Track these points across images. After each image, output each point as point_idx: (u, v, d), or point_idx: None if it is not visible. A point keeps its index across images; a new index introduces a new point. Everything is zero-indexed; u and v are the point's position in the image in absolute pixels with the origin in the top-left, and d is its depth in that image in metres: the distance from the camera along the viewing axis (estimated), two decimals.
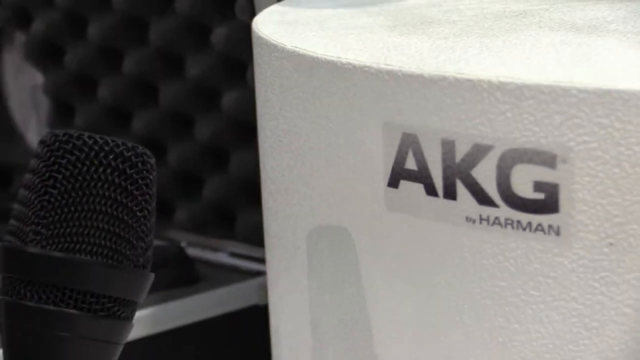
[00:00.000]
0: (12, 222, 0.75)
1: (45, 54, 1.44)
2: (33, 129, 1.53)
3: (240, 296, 1.19)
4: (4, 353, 0.75)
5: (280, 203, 0.95)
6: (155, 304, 1.14)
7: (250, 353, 1.17)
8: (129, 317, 0.76)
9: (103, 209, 0.74)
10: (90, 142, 0.74)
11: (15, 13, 1.45)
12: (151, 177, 0.76)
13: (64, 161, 0.74)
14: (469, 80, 0.76)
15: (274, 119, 0.94)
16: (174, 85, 1.31)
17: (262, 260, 1.10)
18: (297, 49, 0.88)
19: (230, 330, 1.19)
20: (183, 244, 1.28)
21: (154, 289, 1.16)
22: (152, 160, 0.76)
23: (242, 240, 1.28)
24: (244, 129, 1.24)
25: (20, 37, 1.46)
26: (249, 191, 1.23)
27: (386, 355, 0.85)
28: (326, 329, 0.90)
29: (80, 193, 0.74)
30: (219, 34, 1.24)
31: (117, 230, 0.75)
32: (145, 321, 1.12)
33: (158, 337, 1.13)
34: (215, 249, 1.31)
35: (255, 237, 1.17)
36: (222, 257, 1.29)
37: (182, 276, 1.23)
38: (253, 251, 1.25)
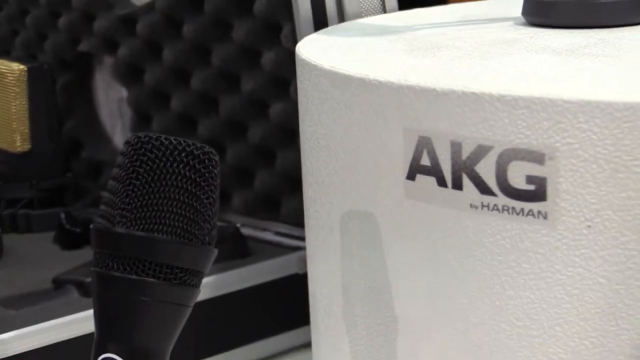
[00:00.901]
0: (102, 207, 0.75)
1: (128, 74, 1.44)
2: (119, 133, 1.53)
3: (283, 266, 1.19)
4: (95, 315, 0.74)
5: (318, 192, 0.94)
6: (216, 273, 1.14)
7: (291, 313, 1.17)
8: (197, 285, 0.75)
9: (176, 196, 0.74)
10: (166, 142, 0.74)
11: (104, 41, 1.45)
12: (215, 171, 0.75)
13: (144, 158, 0.74)
14: (473, 93, 0.75)
15: (313, 125, 0.93)
16: (231, 98, 1.31)
17: (301, 238, 1.09)
18: (332, 68, 0.87)
19: (275, 295, 1.19)
20: (238, 225, 1.27)
21: (215, 261, 1.16)
22: (216, 158, 0.75)
23: (285, 222, 1.29)
24: (288, 133, 1.24)
25: (108, 60, 1.46)
26: (292, 183, 1.23)
27: (404, 314, 0.84)
28: (355, 294, 0.89)
29: (157, 184, 0.74)
30: (267, 57, 1.24)
31: (187, 214, 0.74)
32: (208, 287, 1.12)
33: (218, 300, 1.13)
34: (263, 229, 1.31)
35: (296, 219, 1.17)
36: (269, 236, 1.29)
37: (237, 251, 1.23)
38: (294, 231, 1.25)
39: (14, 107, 1.40)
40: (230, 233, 1.23)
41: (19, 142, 1.40)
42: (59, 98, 1.49)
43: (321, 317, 0.96)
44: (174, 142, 0.74)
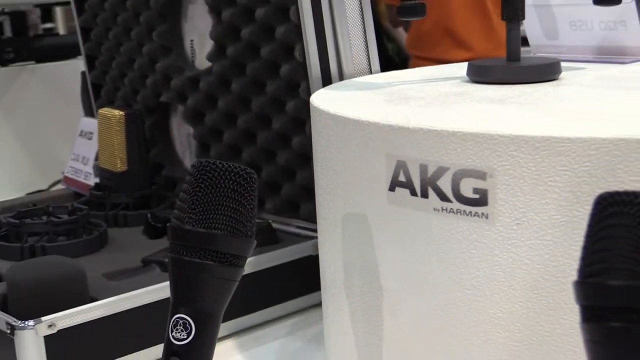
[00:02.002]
0: (176, 211, 0.74)
1: (194, 117, 1.45)
2: (187, 158, 1.55)
3: (302, 250, 1.18)
4: (171, 287, 0.74)
5: (326, 199, 0.93)
6: (254, 255, 1.14)
7: (308, 282, 1.15)
8: (242, 265, 0.75)
9: (227, 203, 0.73)
10: (220, 165, 0.73)
11: (177, 94, 1.46)
12: (254, 185, 0.74)
13: (205, 177, 0.73)
14: (435, 130, 0.74)
15: (322, 152, 0.92)
16: (265, 133, 1.33)
17: (314, 230, 1.08)
18: (336, 113, 0.87)
19: (296, 270, 1.18)
20: (270, 221, 1.28)
21: (257, 245, 1.16)
22: (255, 176, 0.74)
23: (303, 219, 1.28)
24: (305, 158, 1.25)
25: (180, 108, 1.47)
26: (308, 192, 1.22)
27: (387, 285, 0.83)
28: (352, 270, 0.88)
29: (214, 195, 0.73)
30: (290, 105, 1.26)
31: (235, 215, 0.73)
32: (249, 265, 1.13)
33: (256, 274, 1.12)
34: (287, 224, 1.30)
35: (311, 217, 1.15)
36: (292, 229, 1.28)
37: (269, 239, 1.22)
38: (309, 225, 1.23)
39: (115, 141, 1.41)
40: (265, 227, 1.22)
41: (119, 165, 1.41)
42: (146, 133, 1.50)
43: (328, 286, 0.95)
44: (226, 165, 0.73)
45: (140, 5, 1.47)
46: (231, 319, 1.10)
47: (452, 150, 0.73)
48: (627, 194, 0.55)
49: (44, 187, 1.88)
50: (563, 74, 1.01)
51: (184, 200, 0.73)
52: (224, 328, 1.08)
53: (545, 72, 0.99)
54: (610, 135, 0.65)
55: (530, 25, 1.25)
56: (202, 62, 1.41)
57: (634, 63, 1.12)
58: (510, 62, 1.01)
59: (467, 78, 1.02)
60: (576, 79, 0.99)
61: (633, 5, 1.14)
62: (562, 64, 1.03)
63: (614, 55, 1.15)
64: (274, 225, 1.23)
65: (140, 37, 1.50)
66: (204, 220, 0.72)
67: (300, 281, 1.15)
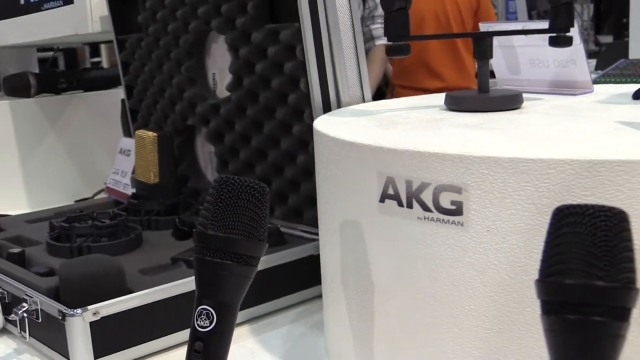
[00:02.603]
0: (200, 219, 0.73)
1: (215, 138, 1.44)
2: (209, 172, 1.56)
3: (305, 250, 1.16)
4: (196, 281, 0.73)
5: (327, 208, 0.92)
6: (266, 254, 1.12)
7: (310, 277, 1.13)
8: (256, 264, 0.74)
9: (244, 212, 0.72)
10: (238, 180, 0.72)
11: (201, 119, 1.47)
12: (266, 197, 0.73)
13: (225, 190, 0.73)
14: (419, 151, 0.74)
15: (323, 168, 0.91)
16: (274, 152, 1.32)
17: (316, 234, 1.05)
18: (335, 136, 0.86)
19: (301, 266, 1.16)
20: (279, 226, 1.26)
21: (268, 246, 1.15)
22: (267, 189, 0.74)
23: (307, 224, 1.27)
24: (309, 173, 1.24)
25: (204, 130, 1.47)
26: (311, 202, 1.22)
27: (378, 282, 0.83)
28: (348, 268, 0.87)
29: (233, 205, 0.73)
30: (296, 128, 1.25)
31: (250, 222, 0.73)
32: (262, 262, 1.09)
33: (266, 271, 1.11)
34: (293, 228, 1.28)
35: (313, 223, 1.14)
36: (297, 232, 1.26)
37: (278, 241, 1.21)
38: (312, 230, 1.21)
39: (150, 157, 1.42)
40: (274, 230, 1.21)
41: (152, 177, 1.42)
42: (175, 151, 1.50)
43: (328, 282, 0.95)
44: (242, 180, 0.73)
45: (171, 44, 1.48)
46: (246, 308, 1.09)
47: (432, 168, 0.72)
48: (579, 207, 0.55)
49: (89, 195, 1.88)
50: (525, 104, 1.01)
51: (207, 209, 0.73)
52: (240, 316, 1.07)
53: (510, 102, 1.00)
54: (565, 157, 0.65)
55: (496, 63, 1.25)
56: (222, 92, 1.41)
57: (582, 95, 1.12)
58: (481, 94, 1.01)
59: (444, 107, 1.02)
60: (536, 108, 0.99)
61: (582, 46, 1.14)
62: (524, 95, 1.03)
63: (566, 88, 1.15)
64: (282, 229, 1.23)
65: (171, 70, 1.50)
66: (224, 226, 0.72)
67: (303, 277, 1.14)
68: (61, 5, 1.71)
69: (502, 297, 0.70)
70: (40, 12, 1.80)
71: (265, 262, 1.11)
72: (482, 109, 0.98)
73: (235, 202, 0.72)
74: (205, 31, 1.40)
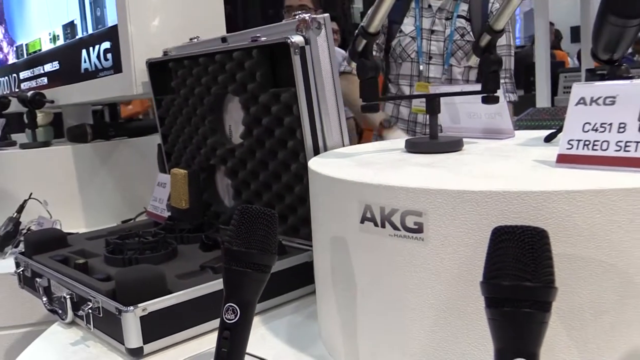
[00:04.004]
0: (227, 237, 0.73)
1: (231, 173, 1.43)
2: (227, 200, 1.52)
3: (302, 258, 1.15)
4: (224, 283, 0.73)
5: (318, 228, 0.91)
6: None
7: (306, 278, 1.11)
8: (269, 271, 0.74)
9: (260, 232, 0.73)
10: (255, 209, 0.73)
11: (220, 159, 1.45)
12: (276, 220, 0.74)
13: (245, 216, 0.73)
14: (390, 186, 0.74)
15: (315, 197, 0.91)
16: (277, 185, 1.30)
17: (310, 246, 1.06)
18: (324, 174, 0.86)
19: (298, 271, 1.14)
20: (281, 239, 1.23)
21: None
22: (276, 215, 0.74)
23: (302, 238, 1.24)
24: (303, 200, 1.23)
25: (222, 168, 1.45)
26: (305, 222, 1.22)
27: (359, 286, 0.82)
28: (335, 274, 0.86)
29: (251, 227, 0.73)
30: (294, 167, 1.24)
31: (265, 240, 0.73)
32: None
33: (272, 274, 1.10)
34: (292, 241, 1.26)
35: (308, 237, 1.12)
36: (295, 244, 1.23)
37: (281, 251, 1.18)
38: (306, 242, 1.19)
39: (181, 189, 1.40)
40: (278, 243, 1.20)
41: (184, 204, 1.40)
42: (201, 184, 1.47)
43: (319, 283, 0.94)
44: (258, 208, 0.73)
45: (197, 103, 1.48)
46: (257, 303, 1.08)
47: (400, 198, 0.72)
48: (511, 227, 0.57)
49: (132, 216, 1.87)
50: (465, 147, 1.01)
51: (232, 230, 0.73)
52: None
53: (454, 145, 1.00)
54: (498, 189, 0.66)
55: (443, 116, 1.26)
56: (236, 139, 1.41)
57: (507, 139, 1.13)
58: (432, 139, 1.01)
59: (404, 149, 1.02)
60: (473, 150, 0.99)
61: (505, 103, 1.15)
62: (464, 140, 1.03)
63: (495, 134, 1.16)
64: (284, 242, 1.22)
65: (197, 123, 1.50)
66: (245, 243, 0.72)
67: (300, 278, 1.13)
68: (112, 74, 1.71)
69: (454, 294, 0.70)
70: (96, 79, 1.80)
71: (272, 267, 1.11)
72: (433, 151, 0.98)
73: (252, 225, 0.73)
74: (224, 94, 1.40)
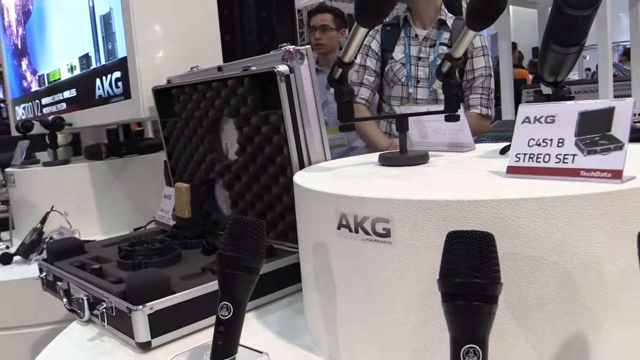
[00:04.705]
0: (220, 244, 0.74)
1: (228, 186, 1.41)
2: (225, 209, 1.50)
3: (290, 260, 1.14)
4: (219, 284, 0.73)
5: (303, 232, 0.92)
6: (265, 262, 1.11)
7: (294, 277, 1.11)
8: (258, 273, 0.75)
9: (249, 239, 0.74)
10: (246, 219, 0.74)
11: (219, 174, 1.42)
12: (263, 229, 0.74)
13: (236, 225, 0.73)
14: (361, 197, 0.74)
15: (300, 207, 0.91)
16: (268, 195, 1.29)
17: (297, 249, 1.04)
18: (307, 186, 0.86)
19: (287, 271, 1.13)
20: (271, 243, 1.23)
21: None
22: (264, 224, 0.75)
23: (290, 242, 1.24)
24: (291, 209, 1.22)
25: (220, 181, 1.44)
26: (293, 228, 1.21)
27: (338, 284, 0.82)
28: (318, 273, 0.87)
29: (241, 235, 0.73)
30: (282, 180, 1.24)
31: (253, 246, 0.74)
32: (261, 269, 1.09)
33: (264, 274, 1.10)
34: (281, 245, 1.24)
35: (295, 241, 1.09)
36: (284, 247, 1.23)
37: (271, 254, 1.17)
38: (294, 246, 1.17)
39: (184, 200, 1.40)
40: (269, 247, 1.19)
41: (187, 214, 1.40)
42: (201, 196, 1.47)
43: (305, 281, 0.94)
44: (247, 218, 0.73)
45: (197, 125, 1.48)
46: (251, 300, 1.07)
47: (370, 207, 0.73)
48: (463, 232, 0.58)
49: (143, 224, 1.87)
50: (431, 159, 1.02)
51: (225, 238, 0.73)
52: (247, 305, 1.07)
53: (421, 159, 1.01)
54: (453, 198, 0.67)
55: (412, 132, 1.27)
56: (232, 156, 1.40)
57: (468, 152, 1.15)
58: (402, 154, 1.02)
59: (378, 163, 1.03)
60: (438, 162, 1.00)
61: (466, 121, 1.17)
62: (430, 154, 1.04)
63: (458, 147, 1.18)
64: (274, 246, 1.22)
65: (197, 142, 1.50)
66: (236, 249, 0.72)
67: (289, 277, 1.13)
68: (123, 100, 1.71)
69: (419, 289, 0.71)
70: (108, 104, 1.80)
71: (264, 268, 1.08)
72: (402, 165, 0.99)
73: (243, 233, 0.73)
74: (220, 116, 1.41)
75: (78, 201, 1.93)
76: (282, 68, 1.14)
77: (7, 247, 1.84)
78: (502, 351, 0.68)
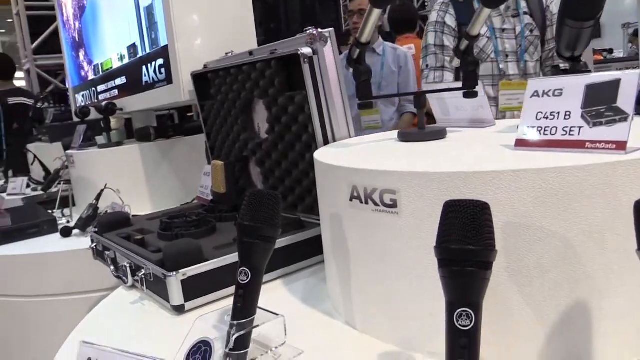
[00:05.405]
0: (240, 215, 0.74)
1: (260, 163, 1.40)
2: (258, 185, 1.50)
3: (317, 231, 1.14)
4: (238, 254, 0.74)
5: (322, 205, 0.92)
6: (293, 233, 1.11)
7: (320, 249, 1.08)
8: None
9: (265, 210, 0.74)
10: (260, 191, 0.74)
11: (252, 151, 1.41)
12: (279, 200, 0.74)
13: (253, 197, 0.74)
14: (370, 170, 0.75)
15: (320, 180, 0.91)
16: (295, 171, 1.28)
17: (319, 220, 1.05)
18: (323, 162, 0.87)
19: (314, 241, 1.12)
20: (300, 217, 1.23)
21: (292, 229, 1.14)
22: (279, 196, 0.75)
23: (316, 214, 1.22)
24: (312, 186, 1.20)
25: (254, 158, 1.44)
26: (315, 204, 1.20)
27: (351, 252, 0.82)
28: (334, 241, 0.87)
29: (258, 206, 0.74)
30: (307, 156, 1.23)
31: (269, 216, 0.74)
32: (289, 240, 1.10)
33: (293, 245, 1.11)
34: (309, 218, 1.24)
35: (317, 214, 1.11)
36: (311, 220, 1.22)
37: (299, 226, 1.18)
38: (319, 218, 1.19)
39: (220, 177, 1.43)
40: (297, 220, 1.20)
41: (222, 189, 1.43)
42: (236, 173, 1.49)
43: (325, 251, 0.95)
44: (263, 191, 0.74)
45: (231, 107, 1.50)
46: (280, 268, 1.10)
47: (379, 179, 0.73)
48: (459, 201, 0.58)
49: (189, 200, 1.91)
50: (449, 136, 1.01)
51: (244, 209, 0.74)
52: (276, 273, 1.09)
53: (438, 135, 1.00)
54: (452, 170, 0.66)
55: (435, 109, 1.26)
56: (263, 135, 1.42)
57: (488, 127, 1.12)
58: (420, 130, 1.02)
59: (397, 139, 1.02)
60: (454, 137, 0.99)
61: (485, 97, 1.15)
62: (450, 129, 1.02)
63: (479, 123, 1.15)
64: (302, 218, 1.22)
65: (232, 123, 1.52)
66: (254, 219, 0.74)
67: (315, 248, 1.13)
68: (165, 85, 1.75)
69: (421, 254, 0.71)
70: (154, 90, 1.85)
71: (292, 239, 1.11)
72: (420, 140, 0.98)
73: (259, 204, 0.74)
74: (251, 98, 1.42)
75: (130, 179, 1.99)
76: (306, 50, 1.14)
77: (68, 222, 1.93)
78: (505, 317, 0.67)
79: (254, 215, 0.74)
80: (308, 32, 1.17)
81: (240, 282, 0.74)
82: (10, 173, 3.31)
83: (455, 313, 0.55)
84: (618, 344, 0.66)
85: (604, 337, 0.66)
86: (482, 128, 1.13)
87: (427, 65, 1.88)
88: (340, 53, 1.44)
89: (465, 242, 0.55)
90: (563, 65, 1.02)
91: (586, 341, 0.66)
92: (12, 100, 3.55)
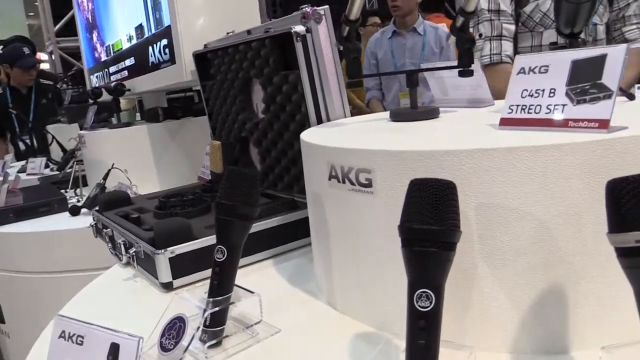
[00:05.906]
0: (218, 194, 0.74)
1: (257, 143, 1.40)
2: (257, 164, 1.45)
3: (304, 213, 1.11)
4: (216, 233, 0.74)
5: (307, 185, 0.90)
6: (285, 213, 1.10)
7: (305, 229, 1.10)
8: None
9: (242, 188, 0.73)
10: (237, 169, 0.73)
11: (249, 131, 1.39)
12: (257, 179, 0.73)
13: (231, 176, 0.73)
14: (345, 148, 0.73)
15: (305, 159, 0.90)
16: (290, 150, 1.26)
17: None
18: (305, 140, 0.86)
19: (306, 223, 1.11)
20: (294, 197, 1.22)
21: (285, 209, 1.12)
22: (257, 174, 0.75)
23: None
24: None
25: (252, 138, 1.42)
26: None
27: (331, 231, 0.81)
28: (316, 221, 0.85)
29: (235, 184, 0.73)
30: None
31: (246, 195, 0.73)
32: (282, 219, 1.09)
33: (284, 225, 1.11)
34: (302, 198, 1.23)
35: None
36: (304, 201, 1.22)
37: (293, 206, 1.18)
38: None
39: (217, 156, 1.41)
40: (290, 200, 1.19)
41: (219, 169, 1.42)
42: (236, 153, 1.48)
43: (313, 232, 0.94)
44: (241, 170, 0.73)
45: (230, 86, 1.49)
46: (271, 248, 1.09)
47: (354, 158, 0.72)
48: (423, 179, 0.56)
49: (194, 181, 1.91)
50: (442, 115, 0.98)
51: (221, 188, 0.74)
52: (266, 253, 1.08)
53: (430, 114, 0.97)
54: (423, 149, 0.64)
55: (433, 89, 1.22)
56: (260, 114, 1.41)
57: (486, 107, 1.09)
58: (412, 109, 0.99)
59: (389, 119, 1.00)
60: (446, 117, 0.96)
61: (483, 76, 1.11)
62: (446, 109, 0.99)
63: (477, 103, 1.12)
64: (296, 199, 1.21)
65: (231, 103, 1.51)
66: (231, 198, 0.73)
67: (307, 228, 1.12)
68: (170, 65, 1.75)
69: (390, 231, 0.66)
70: (159, 70, 1.84)
71: (284, 219, 1.10)
72: (411, 120, 0.96)
73: (237, 183, 0.74)
74: (248, 77, 1.40)
75: (138, 160, 2.00)
76: (299, 28, 1.12)
77: (78, 201, 1.96)
78: (477, 302, 0.65)
79: (231, 194, 0.73)
80: (303, 9, 1.14)
81: (217, 259, 0.74)
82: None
83: (415, 294, 0.53)
84: (597, 330, 0.64)
85: (582, 323, 0.64)
86: (481, 108, 1.10)
87: (480, 35, 1.58)
88: (358, 36, 1.39)
89: (427, 222, 0.53)
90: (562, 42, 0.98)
91: (563, 327, 0.63)
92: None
